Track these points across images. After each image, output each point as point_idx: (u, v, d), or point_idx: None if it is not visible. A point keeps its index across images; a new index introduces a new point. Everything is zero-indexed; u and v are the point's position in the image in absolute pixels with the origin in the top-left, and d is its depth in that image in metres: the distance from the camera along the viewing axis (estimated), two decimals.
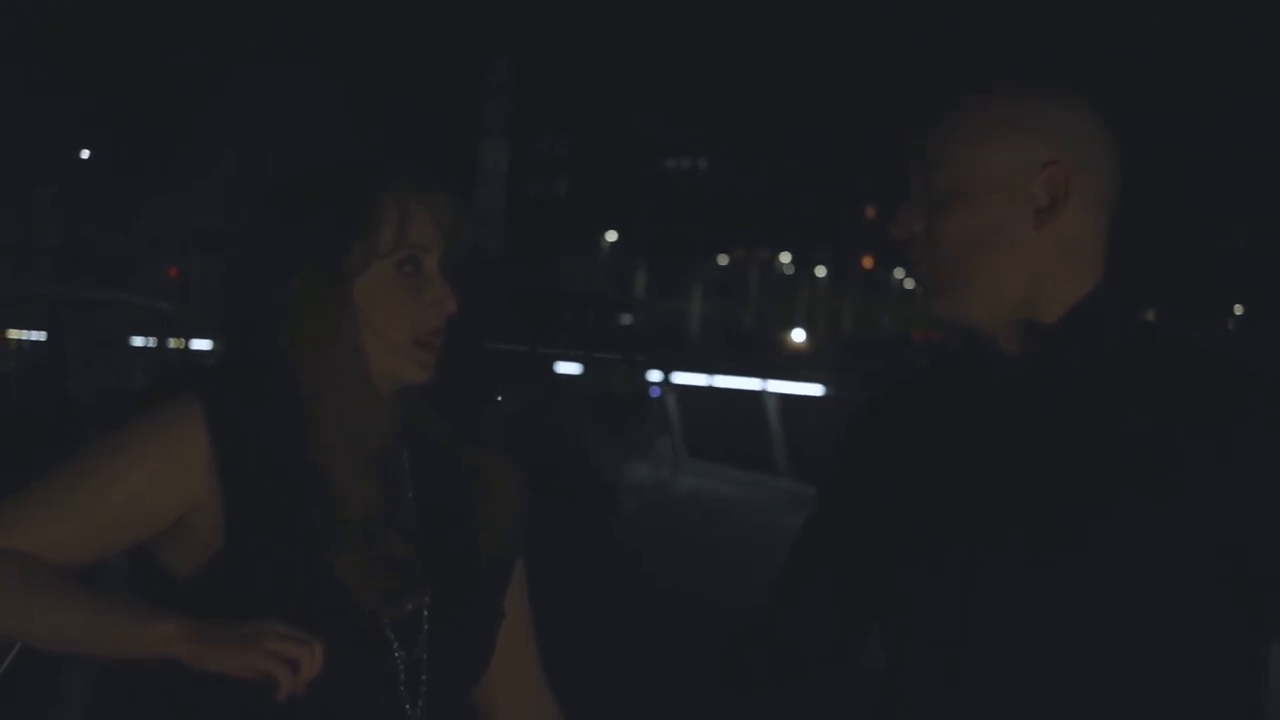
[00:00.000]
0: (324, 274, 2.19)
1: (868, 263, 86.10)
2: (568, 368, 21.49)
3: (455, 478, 2.28)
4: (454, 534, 2.26)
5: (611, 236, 72.62)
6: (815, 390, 18.18)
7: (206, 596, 2.14)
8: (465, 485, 2.28)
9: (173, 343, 19.84)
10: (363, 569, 2.14)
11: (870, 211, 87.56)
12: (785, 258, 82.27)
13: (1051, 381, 2.21)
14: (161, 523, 2.16)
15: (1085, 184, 2.24)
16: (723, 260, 78.87)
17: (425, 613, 2.20)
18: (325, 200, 2.21)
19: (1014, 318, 2.22)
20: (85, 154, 41.31)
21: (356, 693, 2.16)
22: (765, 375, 18.10)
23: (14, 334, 16.08)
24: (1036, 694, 2.14)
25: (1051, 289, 2.23)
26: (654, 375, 19.49)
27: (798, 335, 70.81)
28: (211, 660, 2.04)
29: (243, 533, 2.14)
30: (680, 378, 19.44)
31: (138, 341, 18.49)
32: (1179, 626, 2.15)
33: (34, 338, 15.40)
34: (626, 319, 68.60)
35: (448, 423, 2.30)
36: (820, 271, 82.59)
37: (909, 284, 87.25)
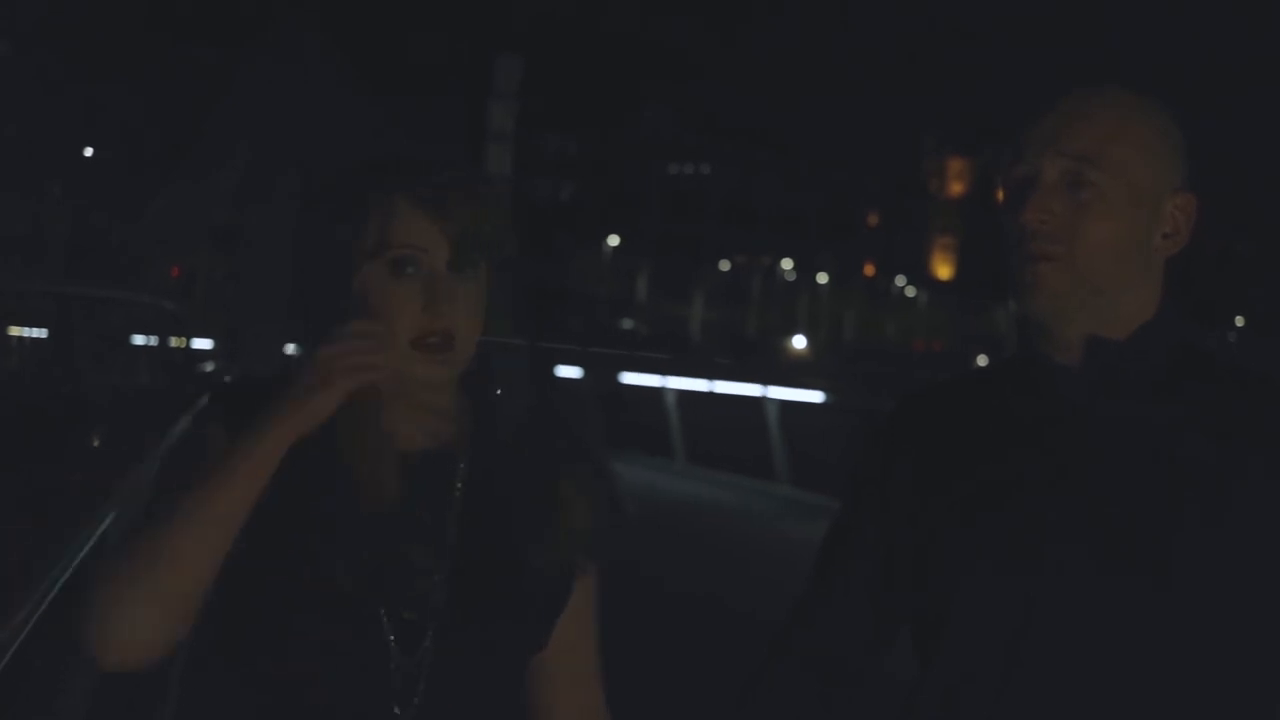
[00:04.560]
0: (325, 270, 2.20)
1: (869, 270, 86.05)
2: (569, 371, 21.48)
3: (517, 495, 2.25)
4: (498, 549, 2.22)
5: (614, 240, 72.53)
6: (816, 397, 18.15)
7: (227, 581, 2.15)
8: (527, 504, 2.25)
9: (174, 341, 19.83)
10: (356, 562, 2.14)
11: (872, 219, 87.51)
12: (787, 264, 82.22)
13: (1117, 397, 2.19)
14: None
15: (1197, 214, 2.24)
16: (725, 266, 78.84)
17: (432, 618, 2.17)
18: (323, 199, 2.23)
19: (1093, 331, 2.21)
20: (91, 150, 41.31)
21: (343, 689, 2.15)
22: (766, 381, 18.07)
23: (16, 330, 16.08)
24: (1088, 705, 2.14)
25: (1135, 307, 2.22)
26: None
27: (799, 341, 70.78)
28: (314, 417, 2.08)
29: (254, 524, 2.13)
30: (681, 383, 19.42)
31: (139, 340, 18.48)
32: (1239, 639, 2.15)
33: (37, 334, 15.40)
34: (628, 323, 68.51)
35: (526, 437, 2.27)
36: (822, 278, 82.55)
37: (910, 292, 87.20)
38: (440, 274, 2.17)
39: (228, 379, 2.25)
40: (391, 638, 2.15)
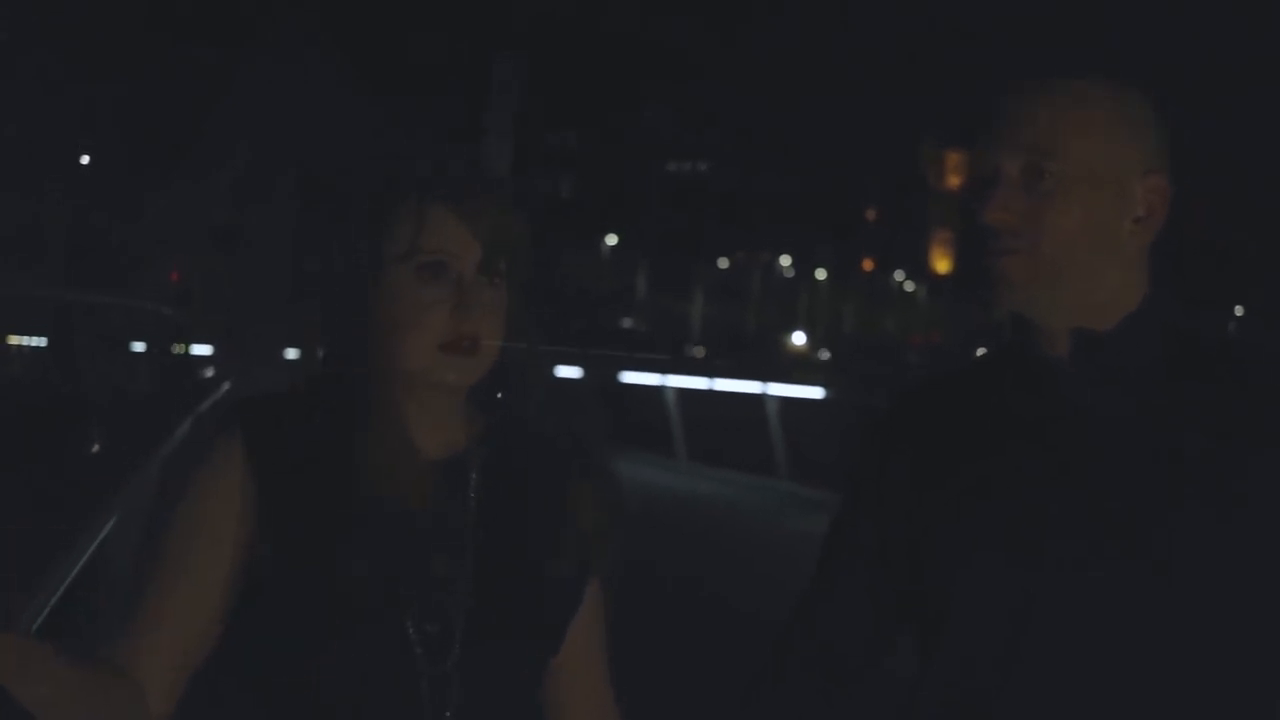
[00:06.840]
0: (349, 275, 2.19)
1: (868, 265, 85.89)
2: (569, 371, 21.46)
3: (530, 500, 2.27)
4: (514, 555, 2.24)
5: (612, 240, 72.39)
6: (815, 393, 18.16)
7: (250, 598, 2.17)
8: (541, 506, 2.27)
9: (174, 347, 19.78)
10: (380, 573, 2.14)
11: (871, 214, 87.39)
12: (786, 260, 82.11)
13: (1109, 389, 2.18)
14: (247, 547, 2.18)
15: (1171, 196, 2.22)
16: (723, 263, 78.72)
17: (458, 629, 2.19)
18: (349, 204, 2.23)
19: (1075, 322, 2.20)
20: (90, 150, 41.26)
21: (376, 701, 2.15)
22: (765, 378, 18.07)
23: (15, 340, 16.04)
24: (1089, 699, 2.14)
25: (1113, 296, 2.21)
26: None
27: (798, 338, 70.65)
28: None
29: (275, 541, 2.15)
30: (680, 380, 19.43)
31: (138, 346, 18.46)
32: (1239, 634, 2.14)
33: (36, 343, 15.36)
34: (627, 322, 68.35)
35: (538, 438, 2.29)
36: (821, 274, 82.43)
37: (909, 287, 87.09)
38: (470, 279, 2.19)
39: (245, 393, 2.23)
40: (418, 649, 2.17)
